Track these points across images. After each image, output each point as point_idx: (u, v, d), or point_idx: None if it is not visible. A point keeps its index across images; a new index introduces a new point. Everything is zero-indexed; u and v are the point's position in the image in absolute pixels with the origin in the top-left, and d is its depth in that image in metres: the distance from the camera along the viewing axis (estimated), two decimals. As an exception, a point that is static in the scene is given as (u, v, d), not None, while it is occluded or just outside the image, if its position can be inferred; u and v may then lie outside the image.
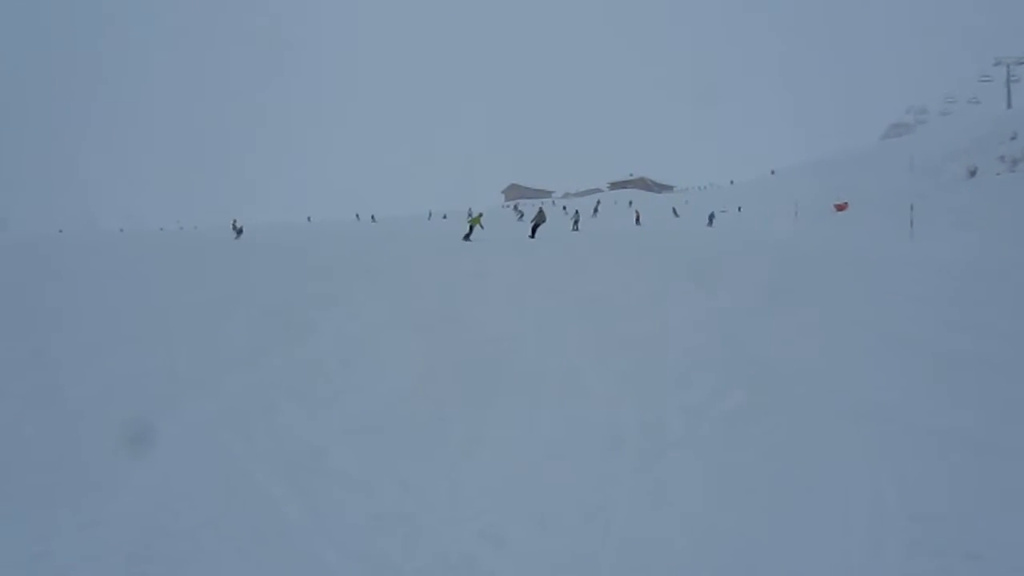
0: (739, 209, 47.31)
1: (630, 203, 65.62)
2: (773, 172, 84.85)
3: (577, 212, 36.68)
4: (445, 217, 60.35)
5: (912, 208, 23.96)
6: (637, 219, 46.61)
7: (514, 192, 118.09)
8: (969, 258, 14.30)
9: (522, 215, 58.46)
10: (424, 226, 45.14)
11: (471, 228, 26.05)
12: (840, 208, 40.27)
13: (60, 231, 63.50)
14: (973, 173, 32.90)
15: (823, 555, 3.44)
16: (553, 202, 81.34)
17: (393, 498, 4.29)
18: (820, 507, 3.88)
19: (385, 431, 5.40)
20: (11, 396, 6.53)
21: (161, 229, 62.41)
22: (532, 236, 26.03)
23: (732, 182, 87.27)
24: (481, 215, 28.49)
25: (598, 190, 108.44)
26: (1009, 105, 61.51)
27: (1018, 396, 5.46)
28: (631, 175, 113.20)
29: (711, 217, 39.97)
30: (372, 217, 66.75)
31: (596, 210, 55.89)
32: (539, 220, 27.64)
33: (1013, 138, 33.75)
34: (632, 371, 6.68)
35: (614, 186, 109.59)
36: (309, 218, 72.01)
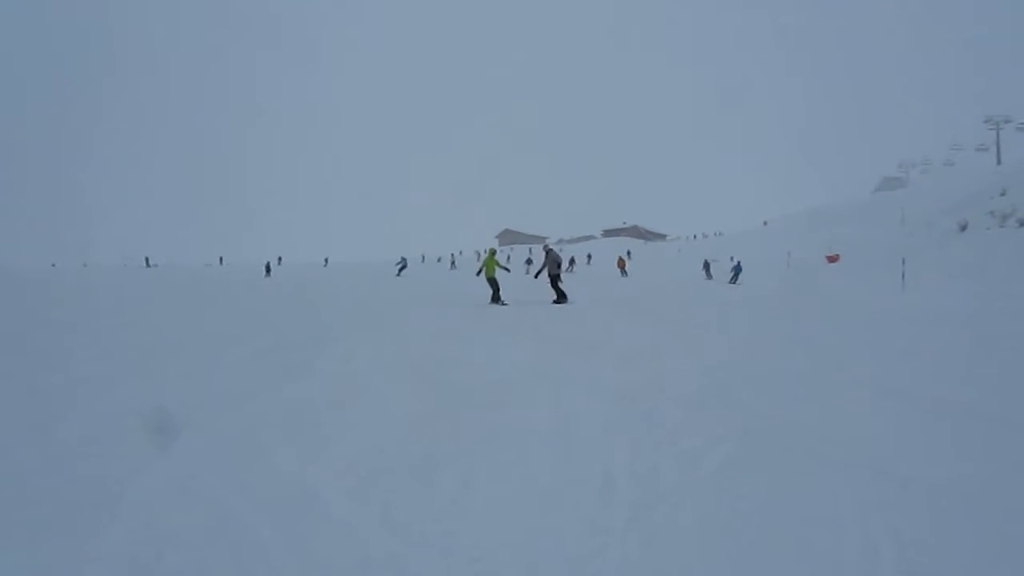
0: (732, 259, 47.97)
1: (628, 252, 66.64)
2: (766, 223, 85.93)
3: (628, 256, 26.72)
4: (453, 265, 58.97)
5: (904, 261, 24.27)
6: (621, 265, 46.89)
7: (508, 237, 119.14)
8: (960, 309, 14.42)
9: (531, 263, 57.48)
10: (409, 275, 45.30)
11: (495, 287, 17.76)
12: (832, 260, 40.79)
13: (53, 265, 63.31)
14: (964, 227, 33.38)
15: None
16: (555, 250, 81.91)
17: (384, 543, 4.24)
18: (812, 557, 3.85)
19: (376, 475, 5.35)
20: (1, 431, 6.46)
21: (124, 265, 61.56)
22: (559, 300, 17.62)
23: (719, 233, 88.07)
24: (494, 252, 19.58)
25: (591, 237, 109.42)
26: (999, 161, 62.83)
27: (1016, 450, 5.45)
28: (624, 223, 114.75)
29: (736, 272, 36.58)
30: (276, 263, 62.43)
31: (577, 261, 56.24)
32: (552, 269, 18.04)
33: (1003, 194, 34.37)
34: (626, 419, 6.66)
35: (607, 233, 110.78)
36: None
